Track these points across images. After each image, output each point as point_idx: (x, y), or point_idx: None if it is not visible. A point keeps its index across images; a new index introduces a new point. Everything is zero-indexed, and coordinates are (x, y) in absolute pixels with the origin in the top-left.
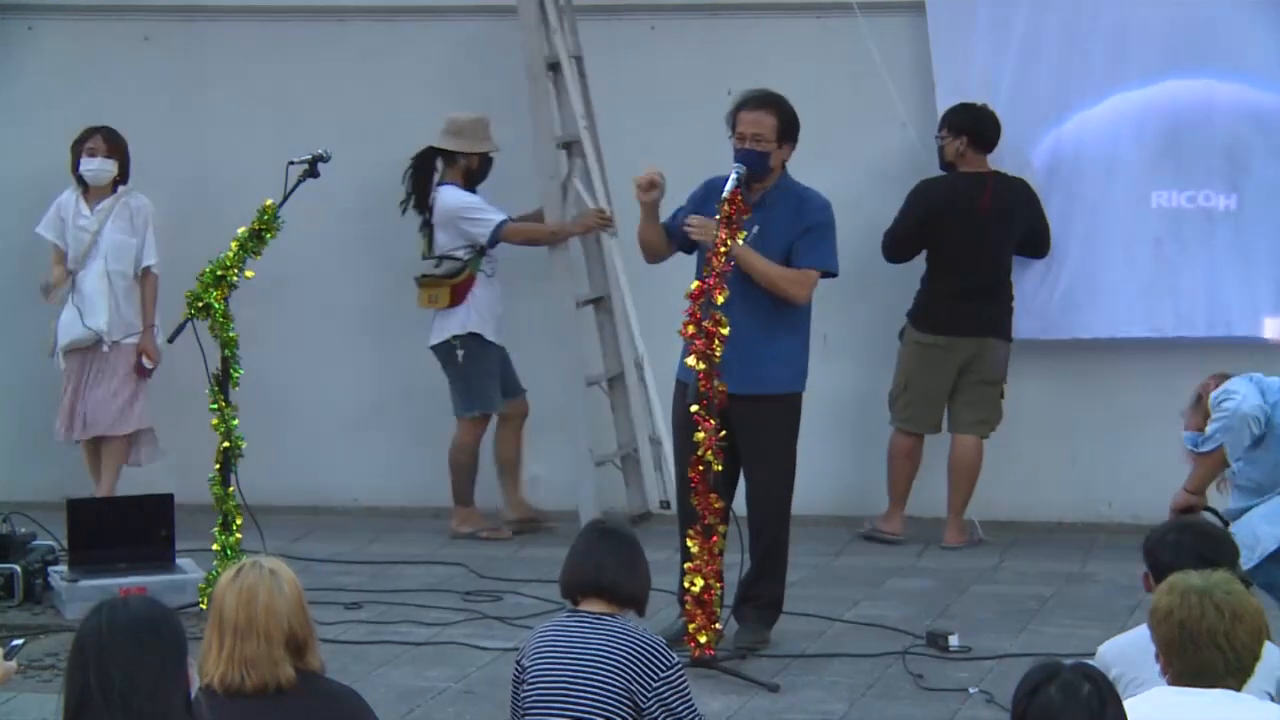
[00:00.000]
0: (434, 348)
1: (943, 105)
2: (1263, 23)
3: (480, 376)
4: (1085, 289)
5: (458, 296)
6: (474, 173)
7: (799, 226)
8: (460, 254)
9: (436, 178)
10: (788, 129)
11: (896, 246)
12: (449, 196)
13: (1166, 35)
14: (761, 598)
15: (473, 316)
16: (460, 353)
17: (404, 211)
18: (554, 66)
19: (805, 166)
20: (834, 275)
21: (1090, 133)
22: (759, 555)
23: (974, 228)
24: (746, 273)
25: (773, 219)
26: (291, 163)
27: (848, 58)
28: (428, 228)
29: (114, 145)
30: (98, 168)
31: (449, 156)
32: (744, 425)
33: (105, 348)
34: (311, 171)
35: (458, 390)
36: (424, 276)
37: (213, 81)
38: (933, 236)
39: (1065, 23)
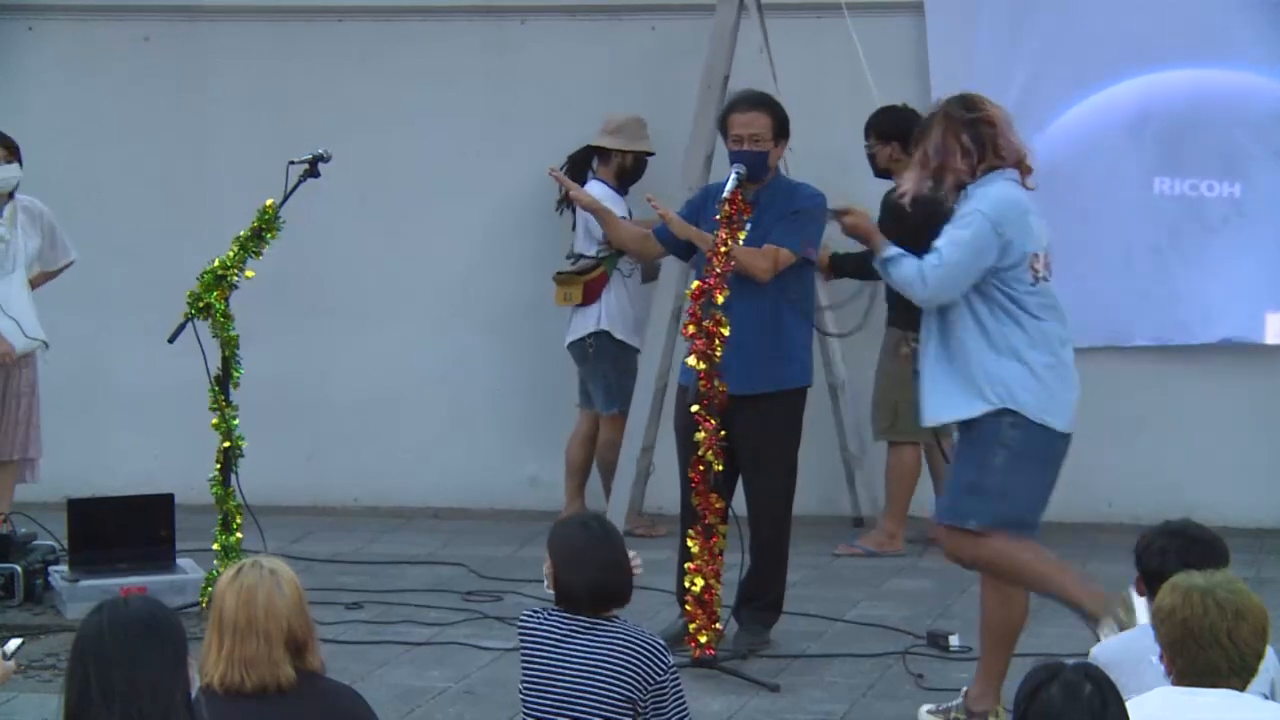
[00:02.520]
0: (569, 346)
1: None
2: (1263, 15)
3: (616, 374)
4: (1083, 296)
5: (590, 294)
6: (627, 171)
7: (786, 213)
8: (593, 251)
9: (590, 175)
10: (782, 127)
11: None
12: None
13: (1165, 30)
14: (762, 598)
15: (604, 315)
16: (591, 351)
17: (560, 211)
18: (727, 79)
19: (805, 166)
20: (809, 261)
21: (1087, 133)
22: (758, 555)
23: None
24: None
25: (766, 216)
26: (292, 162)
27: (847, 57)
28: (577, 226)
29: (11, 149)
30: (4, 174)
31: (604, 154)
32: (745, 424)
33: (43, 359)
34: (312, 171)
35: (598, 388)
36: (559, 274)
37: (213, 81)
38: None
39: (1063, 23)
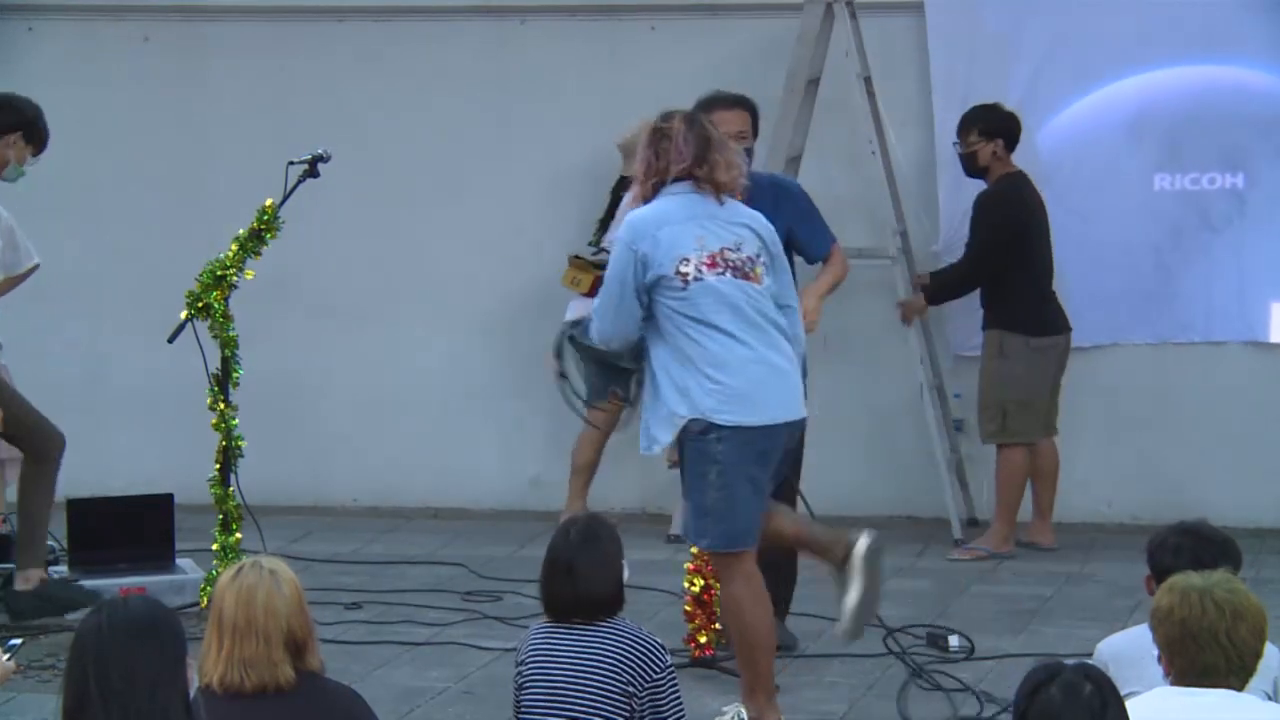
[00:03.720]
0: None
1: (938, 107)
2: (1263, 13)
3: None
4: (1084, 295)
5: (596, 289)
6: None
7: (792, 213)
8: None
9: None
10: (758, 124)
11: (989, 263)
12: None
13: (1165, 29)
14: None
15: None
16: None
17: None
18: (813, 83)
19: (806, 165)
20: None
21: (1088, 132)
22: (764, 556)
23: (1046, 227)
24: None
25: (763, 211)
26: (291, 163)
27: (845, 55)
28: (608, 218)
29: None
30: None
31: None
32: None
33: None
34: (312, 171)
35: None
36: (577, 257)
37: (213, 81)
38: (1026, 243)
39: (1063, 22)
